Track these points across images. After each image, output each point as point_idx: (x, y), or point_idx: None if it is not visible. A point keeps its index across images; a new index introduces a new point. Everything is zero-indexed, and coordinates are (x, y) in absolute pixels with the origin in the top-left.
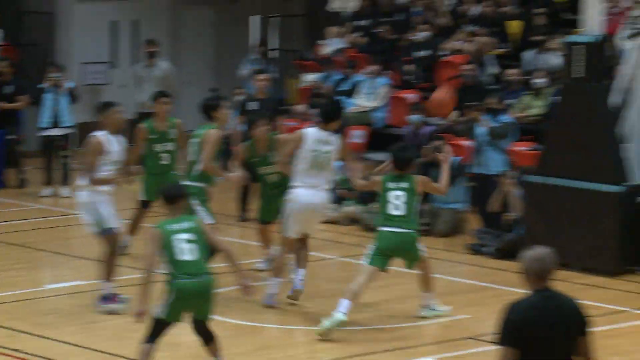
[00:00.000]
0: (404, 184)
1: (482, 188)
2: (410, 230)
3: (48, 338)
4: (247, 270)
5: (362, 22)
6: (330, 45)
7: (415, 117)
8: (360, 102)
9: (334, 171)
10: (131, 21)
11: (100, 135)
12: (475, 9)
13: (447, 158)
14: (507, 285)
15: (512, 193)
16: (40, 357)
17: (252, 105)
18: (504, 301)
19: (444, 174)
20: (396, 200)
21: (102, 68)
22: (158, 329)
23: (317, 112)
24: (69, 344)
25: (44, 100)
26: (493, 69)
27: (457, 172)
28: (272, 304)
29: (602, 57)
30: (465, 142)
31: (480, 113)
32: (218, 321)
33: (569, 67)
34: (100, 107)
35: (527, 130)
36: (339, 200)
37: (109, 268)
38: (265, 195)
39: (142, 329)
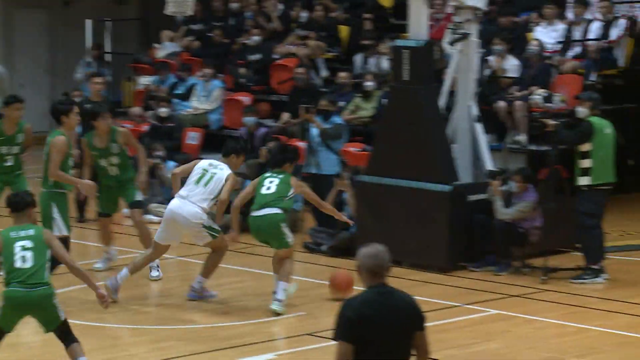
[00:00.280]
0: (280, 175)
1: (316, 188)
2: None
3: None
4: (97, 284)
5: (196, 26)
6: (164, 49)
7: (249, 119)
8: (195, 104)
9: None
10: None
11: None
12: (305, 14)
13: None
14: None
15: (347, 193)
16: None
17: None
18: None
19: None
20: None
21: None
22: None
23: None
24: None
25: None
26: (324, 72)
27: (293, 173)
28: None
29: (427, 61)
30: (299, 144)
31: (312, 115)
32: None
33: (396, 70)
34: None
35: (357, 131)
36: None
37: None
38: (106, 188)
39: None
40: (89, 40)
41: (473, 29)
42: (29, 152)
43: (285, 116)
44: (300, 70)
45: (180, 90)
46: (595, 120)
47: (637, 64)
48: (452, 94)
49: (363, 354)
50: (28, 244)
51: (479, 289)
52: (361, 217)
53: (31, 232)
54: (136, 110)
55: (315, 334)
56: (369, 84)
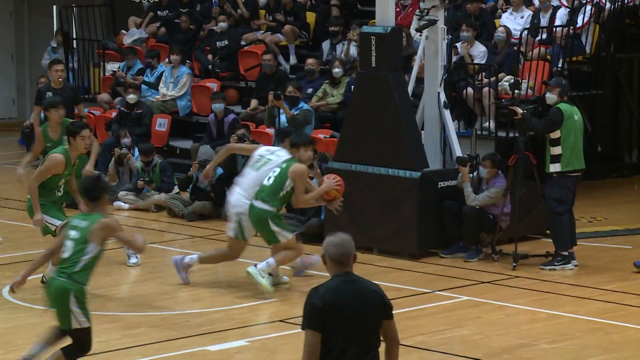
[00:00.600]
0: (283, 165)
1: None
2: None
3: None
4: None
5: (163, 13)
6: (131, 35)
7: (217, 106)
8: (163, 91)
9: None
10: None
11: None
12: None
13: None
14: (312, 269)
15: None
16: None
17: (49, 95)
18: (310, 284)
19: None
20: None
21: None
22: None
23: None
24: None
25: None
26: (292, 59)
27: None
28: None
29: (394, 47)
30: (267, 130)
31: (281, 101)
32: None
33: (363, 57)
34: None
35: (326, 118)
36: (137, 190)
37: None
38: None
39: None
40: (55, 26)
41: (440, 16)
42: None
43: (254, 103)
44: (267, 56)
45: (150, 78)
46: (565, 106)
47: (603, 50)
48: (420, 80)
49: (331, 342)
50: (74, 234)
51: (449, 276)
52: None
53: (83, 223)
54: (104, 96)
55: (287, 321)
56: (337, 70)
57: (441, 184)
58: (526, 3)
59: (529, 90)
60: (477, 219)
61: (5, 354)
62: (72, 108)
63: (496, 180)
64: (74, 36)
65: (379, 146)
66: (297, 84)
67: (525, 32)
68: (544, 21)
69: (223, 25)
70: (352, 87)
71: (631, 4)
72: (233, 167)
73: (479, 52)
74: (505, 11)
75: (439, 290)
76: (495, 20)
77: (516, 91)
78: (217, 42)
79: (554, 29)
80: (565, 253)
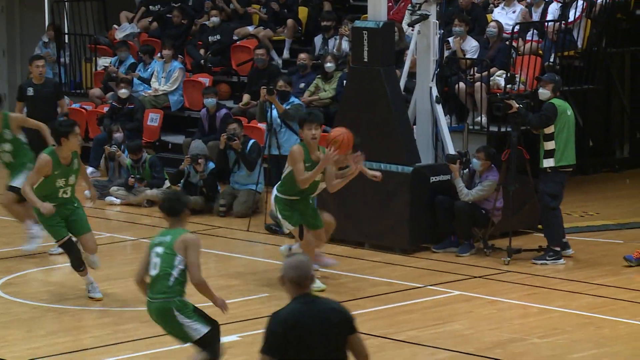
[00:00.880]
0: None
1: (277, 169)
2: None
3: None
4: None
5: (155, 7)
6: (123, 30)
7: (209, 101)
8: (155, 86)
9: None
10: None
11: None
12: None
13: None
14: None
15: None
16: None
17: (30, 91)
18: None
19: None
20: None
21: None
22: None
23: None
24: None
25: None
26: (285, 53)
27: (255, 155)
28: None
29: (387, 42)
30: (259, 125)
31: (273, 96)
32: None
33: (356, 51)
34: None
35: None
36: (128, 187)
37: None
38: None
39: None
40: (47, 21)
41: (432, 10)
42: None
43: (246, 97)
44: (260, 51)
45: (143, 73)
46: (558, 102)
47: (595, 45)
48: (412, 75)
49: None
50: (159, 250)
51: (441, 270)
52: (323, 199)
53: (167, 238)
54: (95, 91)
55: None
56: (329, 65)
57: (433, 179)
58: None
59: (520, 85)
60: (470, 214)
61: None
62: (55, 104)
63: (489, 174)
64: (66, 31)
65: (371, 141)
66: (288, 79)
67: (517, 26)
68: (535, 16)
69: (215, 20)
70: (345, 81)
71: None
72: (225, 162)
73: (471, 46)
74: (497, 6)
75: (431, 285)
76: (487, 15)
77: (509, 86)
78: (209, 37)
79: (546, 23)
80: (557, 248)
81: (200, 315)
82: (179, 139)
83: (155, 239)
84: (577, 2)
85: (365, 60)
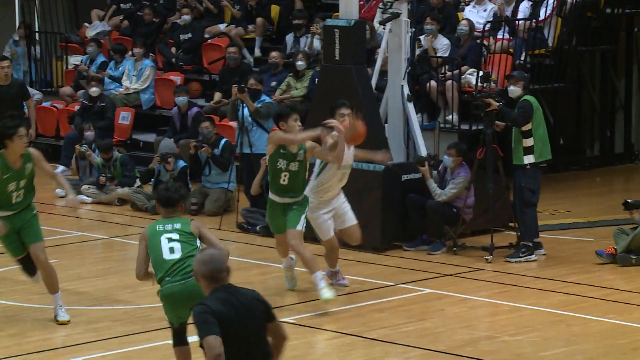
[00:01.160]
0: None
1: (248, 167)
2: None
3: None
4: None
5: (126, 5)
6: (94, 28)
7: (181, 99)
8: (126, 84)
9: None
10: None
11: None
12: None
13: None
14: (275, 262)
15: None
16: None
17: None
18: (273, 278)
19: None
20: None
21: None
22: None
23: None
24: None
25: None
26: (256, 52)
27: (227, 154)
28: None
29: (358, 40)
30: (231, 123)
31: (243, 94)
32: None
33: (327, 50)
34: None
35: None
36: (99, 186)
37: None
38: None
39: None
40: (17, 19)
41: (403, 9)
42: None
43: (217, 96)
44: (232, 49)
45: (115, 72)
46: (532, 99)
47: (565, 44)
48: (383, 73)
49: (225, 353)
50: (174, 236)
51: (413, 269)
52: None
53: (177, 225)
54: (66, 89)
55: None
56: (300, 63)
57: (404, 177)
58: None
59: (492, 83)
60: (441, 212)
61: None
62: (21, 104)
63: (460, 170)
64: (37, 29)
65: None
66: (259, 77)
67: (488, 25)
68: (506, 14)
69: (186, 18)
70: (316, 80)
71: None
72: (196, 163)
73: (442, 45)
74: (468, 4)
75: (402, 283)
76: (459, 13)
77: (484, 84)
78: (181, 35)
79: (517, 22)
80: (530, 244)
81: None
82: (151, 137)
83: (158, 227)
84: (547, 1)
85: (337, 58)
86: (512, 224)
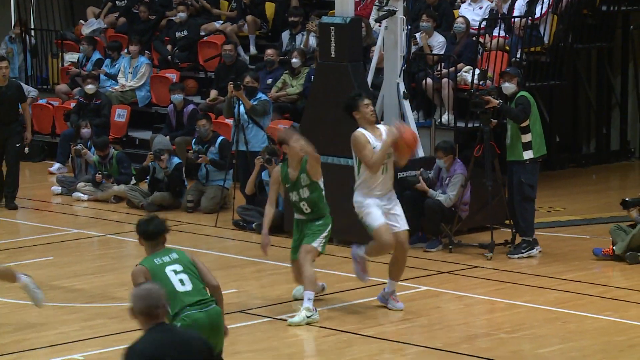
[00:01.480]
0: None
1: (244, 165)
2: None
3: None
4: None
5: (121, 3)
6: (90, 26)
7: (176, 97)
8: (122, 81)
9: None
10: None
11: None
12: None
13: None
14: (271, 260)
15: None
16: None
17: None
18: (269, 275)
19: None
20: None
21: None
22: None
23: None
24: None
25: None
26: (252, 49)
27: (225, 153)
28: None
29: (354, 38)
30: (227, 121)
31: (239, 92)
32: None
33: (323, 47)
34: None
35: (285, 108)
36: (96, 183)
37: None
38: None
39: None
40: (13, 17)
41: (399, 6)
42: None
43: (213, 93)
44: (228, 47)
45: (111, 69)
46: (528, 95)
47: (561, 41)
48: (379, 71)
49: None
50: (178, 267)
51: (409, 266)
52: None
53: (174, 255)
54: (62, 87)
55: (246, 311)
56: (295, 60)
57: (400, 175)
58: None
59: (487, 81)
60: (439, 211)
61: None
62: (17, 106)
63: (455, 167)
64: (32, 26)
65: (338, 136)
66: (255, 74)
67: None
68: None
69: (182, 15)
70: (312, 77)
71: None
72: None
73: (438, 42)
74: (464, 2)
75: (400, 281)
76: (455, 11)
77: (482, 81)
78: (177, 33)
79: (513, 19)
80: (530, 239)
81: None
82: (147, 134)
83: (155, 261)
84: None
85: (333, 56)
86: (507, 221)
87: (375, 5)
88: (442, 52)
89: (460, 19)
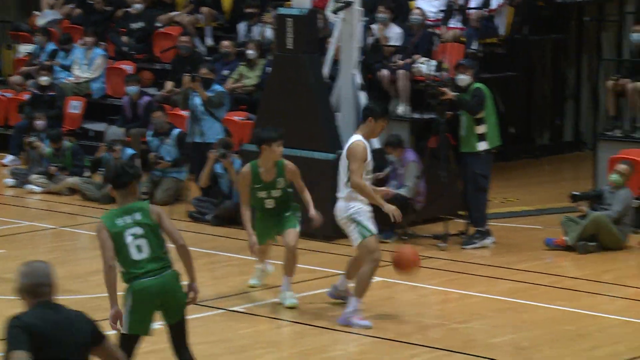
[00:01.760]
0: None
1: (200, 157)
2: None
3: None
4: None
5: None
6: (44, 17)
7: (132, 88)
8: (77, 73)
9: None
10: None
11: None
12: None
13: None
14: (225, 252)
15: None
16: None
17: None
18: (223, 267)
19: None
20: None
21: None
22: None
23: None
24: None
25: None
26: (208, 41)
27: (179, 143)
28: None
29: (310, 29)
30: (182, 112)
31: (197, 83)
32: None
33: (280, 39)
34: None
35: (242, 100)
36: (49, 175)
37: None
38: None
39: None
40: None
41: None
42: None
43: (169, 85)
44: (184, 38)
45: (65, 61)
46: (483, 86)
47: (517, 33)
48: (335, 62)
49: None
50: (138, 231)
51: None
52: None
53: (138, 217)
54: (16, 78)
55: (200, 303)
56: (251, 52)
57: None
58: None
59: (443, 72)
60: (393, 201)
61: None
62: None
63: (406, 156)
64: None
65: (295, 128)
66: (211, 66)
67: (440, 13)
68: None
69: (138, 6)
70: (269, 69)
71: None
72: (148, 152)
73: (394, 34)
74: None
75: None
76: (411, 2)
77: (438, 73)
78: (132, 24)
79: (469, 10)
80: (483, 229)
81: None
82: (101, 126)
83: (117, 222)
84: None
85: (289, 47)
86: (461, 212)
87: None
88: (398, 44)
89: (416, 11)
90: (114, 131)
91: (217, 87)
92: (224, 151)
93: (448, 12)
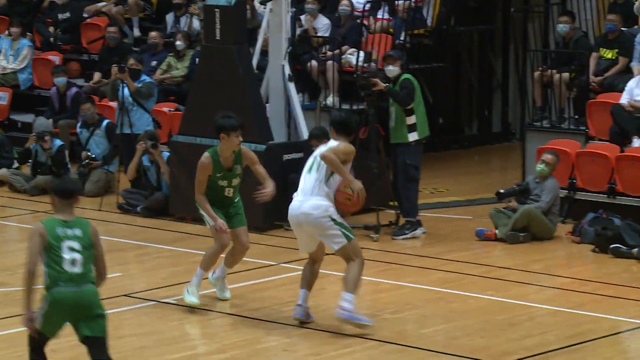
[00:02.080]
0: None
1: (129, 148)
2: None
3: None
4: None
5: None
6: None
7: (59, 79)
8: (3, 64)
9: None
10: None
11: None
12: None
13: None
14: (155, 243)
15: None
16: None
17: None
18: (154, 259)
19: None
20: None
21: None
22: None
23: None
24: None
25: None
26: (135, 31)
27: (108, 134)
28: None
29: (239, 20)
30: (111, 103)
31: (125, 74)
32: None
33: (208, 30)
34: None
35: (171, 91)
36: None
37: None
38: None
39: None
40: None
41: None
42: None
43: (97, 76)
44: (111, 29)
45: None
46: (411, 77)
47: (444, 24)
48: (264, 53)
49: None
50: (76, 245)
51: (294, 248)
52: (176, 177)
53: (78, 232)
54: None
55: (131, 295)
56: (179, 43)
57: (285, 157)
58: None
59: (372, 63)
60: None
61: None
62: None
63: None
64: None
65: None
66: (139, 57)
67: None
68: None
69: None
70: (197, 60)
71: None
72: (77, 143)
73: (322, 24)
74: None
75: (285, 263)
76: None
77: (367, 64)
78: (59, 14)
79: (396, 1)
80: (414, 220)
81: None
82: (29, 117)
83: (58, 231)
84: None
85: (218, 38)
86: (392, 203)
87: None
88: (326, 35)
89: (344, 2)
90: (42, 122)
91: (146, 78)
92: (153, 142)
93: (376, 3)
